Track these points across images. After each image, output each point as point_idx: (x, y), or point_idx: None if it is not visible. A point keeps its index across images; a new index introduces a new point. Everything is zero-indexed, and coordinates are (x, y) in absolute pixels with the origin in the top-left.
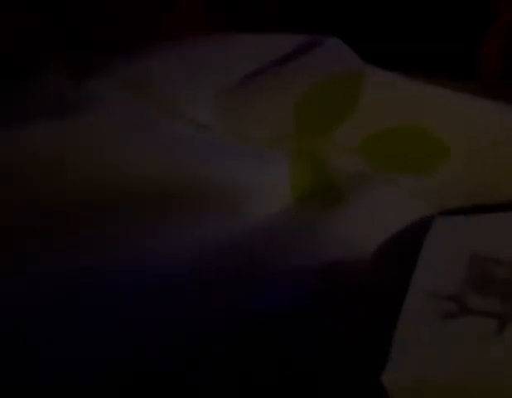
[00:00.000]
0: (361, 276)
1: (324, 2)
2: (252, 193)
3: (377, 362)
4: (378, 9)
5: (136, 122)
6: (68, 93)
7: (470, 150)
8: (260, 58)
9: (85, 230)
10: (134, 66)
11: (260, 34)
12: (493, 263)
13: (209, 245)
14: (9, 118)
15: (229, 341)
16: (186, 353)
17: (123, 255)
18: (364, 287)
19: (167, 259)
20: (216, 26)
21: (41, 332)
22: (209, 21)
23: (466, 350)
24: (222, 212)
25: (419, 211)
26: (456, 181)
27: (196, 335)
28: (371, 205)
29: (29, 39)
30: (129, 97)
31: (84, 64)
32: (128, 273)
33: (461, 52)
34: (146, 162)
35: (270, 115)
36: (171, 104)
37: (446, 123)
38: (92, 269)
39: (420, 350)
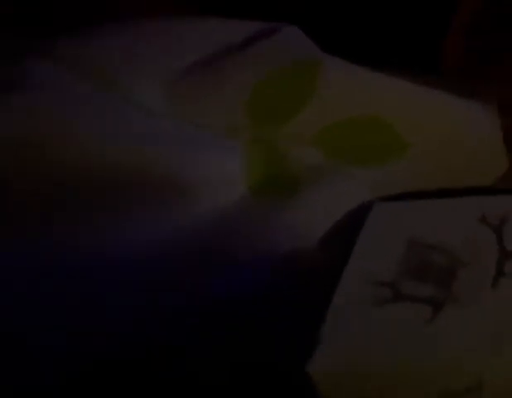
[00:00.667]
0: (312, 265)
1: None
2: (206, 182)
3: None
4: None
5: (83, 105)
6: (13, 70)
7: (428, 144)
8: (216, 42)
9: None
10: (81, 47)
11: (219, 18)
12: (430, 249)
13: (163, 234)
14: None
15: (189, 327)
16: (147, 340)
17: (82, 240)
18: (315, 275)
19: (124, 248)
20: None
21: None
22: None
23: (397, 338)
24: (175, 202)
25: None
26: (414, 174)
27: (156, 322)
28: (327, 197)
29: None
30: (75, 78)
31: (31, 41)
32: (87, 258)
33: (424, 47)
34: (93, 148)
35: (225, 102)
36: (120, 87)
37: (404, 115)
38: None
39: (349, 338)
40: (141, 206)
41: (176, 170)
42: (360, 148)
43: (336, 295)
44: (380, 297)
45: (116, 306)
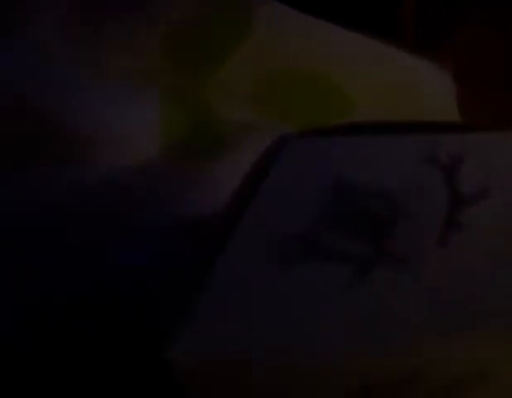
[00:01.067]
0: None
1: None
2: (111, 139)
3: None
4: None
5: None
6: None
7: (376, 103)
8: None
9: None
10: None
11: None
12: (361, 195)
13: (60, 191)
14: None
15: (84, 297)
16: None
17: None
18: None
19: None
20: None
21: None
22: None
23: (303, 308)
24: (76, 157)
25: None
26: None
27: (49, 291)
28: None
29: None
30: None
31: None
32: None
33: (382, 11)
34: None
35: (137, 43)
36: (14, 34)
37: (351, 71)
38: None
39: (229, 313)
40: (35, 160)
41: (76, 122)
42: (298, 106)
43: (227, 255)
44: (289, 255)
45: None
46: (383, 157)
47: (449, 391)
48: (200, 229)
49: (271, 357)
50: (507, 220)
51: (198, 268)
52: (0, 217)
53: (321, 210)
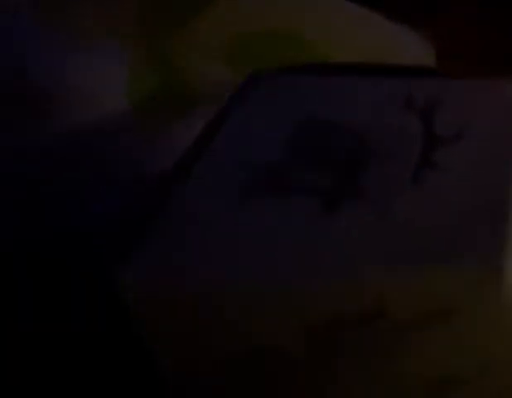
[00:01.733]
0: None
1: None
2: (79, 95)
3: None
4: None
5: None
6: None
7: (347, 57)
8: None
9: None
10: None
11: None
12: (331, 129)
13: (23, 150)
14: None
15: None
16: None
17: None
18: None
19: None
20: None
21: None
22: None
23: (263, 240)
24: (40, 115)
25: None
26: None
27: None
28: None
29: None
30: None
31: None
32: None
33: None
34: None
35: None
36: None
37: (322, 26)
38: None
39: (183, 239)
40: (10, 111)
41: (44, 76)
42: (271, 64)
43: (187, 187)
44: (253, 187)
45: None
46: (358, 96)
47: (411, 328)
48: (159, 181)
49: (220, 289)
50: (479, 160)
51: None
52: None
53: (290, 144)
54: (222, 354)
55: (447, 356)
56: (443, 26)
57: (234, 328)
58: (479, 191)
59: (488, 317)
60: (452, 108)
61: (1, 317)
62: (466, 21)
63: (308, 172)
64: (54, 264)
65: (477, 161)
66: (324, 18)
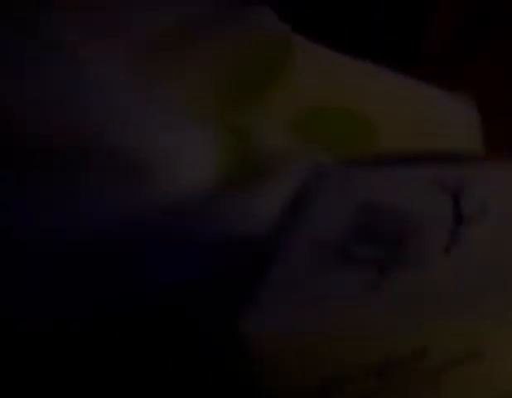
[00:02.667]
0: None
1: None
2: (167, 163)
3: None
4: None
5: (44, 74)
6: None
7: (398, 132)
8: (181, 14)
9: None
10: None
11: None
12: (381, 212)
13: (121, 211)
14: None
15: (125, 312)
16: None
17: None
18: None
19: (82, 220)
20: None
21: None
22: None
23: (338, 300)
24: (136, 179)
25: None
26: None
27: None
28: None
29: None
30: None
31: None
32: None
33: (407, 34)
34: (53, 115)
35: (192, 80)
36: (80, 60)
37: (379, 106)
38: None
39: (288, 302)
40: (100, 180)
41: (137, 146)
42: (333, 136)
43: (278, 258)
44: (325, 259)
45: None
46: (403, 182)
47: (445, 368)
48: (241, 246)
49: (314, 337)
50: (501, 237)
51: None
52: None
53: (348, 224)
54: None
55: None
56: (486, 71)
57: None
58: (496, 263)
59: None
60: (479, 190)
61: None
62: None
63: (362, 246)
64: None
65: (497, 238)
66: (377, 94)
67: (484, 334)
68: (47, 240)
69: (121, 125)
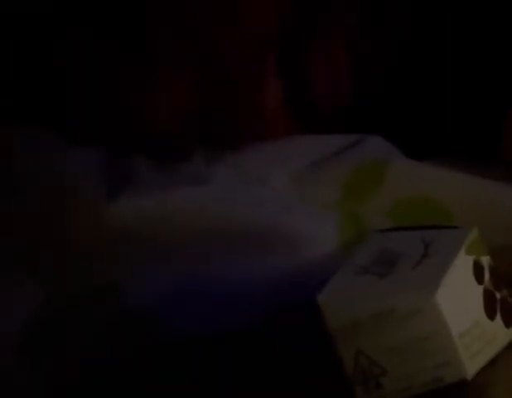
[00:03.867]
0: None
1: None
2: (309, 240)
3: None
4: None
5: (236, 190)
6: (202, 172)
7: (468, 217)
8: (322, 149)
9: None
10: (239, 157)
11: (321, 134)
12: (391, 253)
13: (267, 273)
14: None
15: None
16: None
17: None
18: None
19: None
20: (297, 129)
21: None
22: (292, 127)
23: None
24: (281, 250)
25: None
26: None
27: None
28: None
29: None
30: (236, 175)
31: (215, 154)
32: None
33: (485, 135)
34: (236, 212)
35: (328, 187)
36: (260, 178)
37: (460, 202)
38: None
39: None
40: (253, 251)
41: (287, 231)
42: (418, 222)
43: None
44: (359, 272)
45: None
46: (403, 238)
47: None
48: None
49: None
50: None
51: None
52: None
53: (374, 258)
54: None
55: None
56: None
57: None
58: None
59: None
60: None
61: None
62: None
63: (377, 266)
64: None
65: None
66: (462, 192)
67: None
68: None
69: (280, 213)
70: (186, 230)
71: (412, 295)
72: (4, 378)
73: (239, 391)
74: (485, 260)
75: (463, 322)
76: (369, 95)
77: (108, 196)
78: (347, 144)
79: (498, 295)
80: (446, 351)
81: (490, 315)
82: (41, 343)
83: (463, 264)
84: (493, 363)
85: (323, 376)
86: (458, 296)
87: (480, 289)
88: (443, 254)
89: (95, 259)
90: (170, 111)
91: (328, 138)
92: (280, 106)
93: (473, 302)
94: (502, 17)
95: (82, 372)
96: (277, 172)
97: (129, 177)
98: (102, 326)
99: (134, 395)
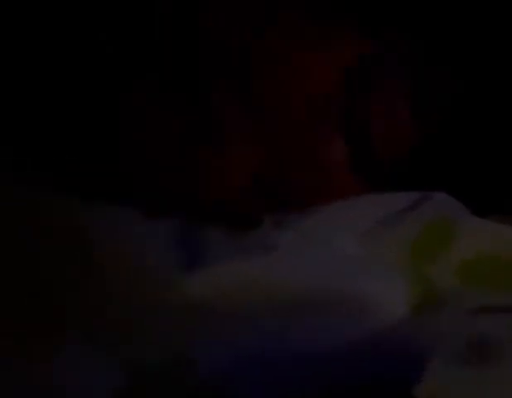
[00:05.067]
0: None
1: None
2: (377, 304)
3: None
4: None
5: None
6: (271, 238)
7: None
8: (387, 210)
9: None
10: (305, 220)
11: (383, 193)
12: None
13: (342, 339)
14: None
15: None
16: None
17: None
18: None
19: (310, 347)
20: (359, 187)
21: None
22: (355, 182)
23: None
24: (354, 315)
25: None
26: None
27: None
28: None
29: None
30: (302, 239)
31: (282, 218)
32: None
33: None
34: (301, 278)
35: (397, 248)
36: (328, 242)
37: None
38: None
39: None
40: (325, 316)
41: (354, 294)
42: (488, 281)
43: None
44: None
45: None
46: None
47: None
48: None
49: None
50: None
51: None
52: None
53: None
54: None
55: None
56: None
57: None
58: None
59: None
60: None
61: None
62: None
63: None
64: None
65: None
66: None
67: None
68: None
69: (348, 276)
70: (263, 301)
71: None
72: None
73: None
74: None
75: None
76: (428, 149)
77: (184, 268)
78: (413, 202)
79: None
80: None
81: None
82: None
83: None
84: None
85: None
86: None
87: None
88: None
89: (174, 333)
90: (237, 176)
91: (393, 197)
92: (345, 160)
93: None
94: None
95: None
96: (343, 233)
97: (201, 247)
98: None
99: None
